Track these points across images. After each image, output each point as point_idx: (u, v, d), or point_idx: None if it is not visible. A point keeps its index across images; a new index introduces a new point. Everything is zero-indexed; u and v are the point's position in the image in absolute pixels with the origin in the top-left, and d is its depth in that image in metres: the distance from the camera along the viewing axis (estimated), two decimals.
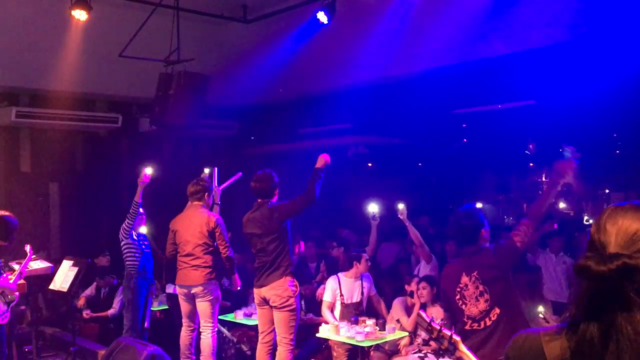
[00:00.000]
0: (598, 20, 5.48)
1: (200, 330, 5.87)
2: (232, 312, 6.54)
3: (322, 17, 6.90)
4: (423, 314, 2.46)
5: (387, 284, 7.78)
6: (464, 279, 3.90)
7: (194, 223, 5.79)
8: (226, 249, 5.79)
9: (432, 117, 8.69)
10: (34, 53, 7.63)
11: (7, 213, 5.63)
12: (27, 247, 6.07)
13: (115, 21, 7.62)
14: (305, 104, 8.79)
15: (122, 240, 6.52)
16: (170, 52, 7.31)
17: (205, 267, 5.76)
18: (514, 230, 3.81)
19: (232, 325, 6.57)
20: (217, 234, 5.78)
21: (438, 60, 6.83)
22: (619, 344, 1.33)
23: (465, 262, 3.95)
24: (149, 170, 6.23)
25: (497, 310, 3.79)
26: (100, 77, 8.40)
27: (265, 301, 5.27)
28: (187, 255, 5.79)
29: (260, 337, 5.46)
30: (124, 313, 6.68)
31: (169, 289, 6.68)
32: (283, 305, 5.16)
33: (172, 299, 6.45)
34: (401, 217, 6.22)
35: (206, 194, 5.93)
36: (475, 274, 3.83)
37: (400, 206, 6.25)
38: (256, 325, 6.44)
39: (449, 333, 2.36)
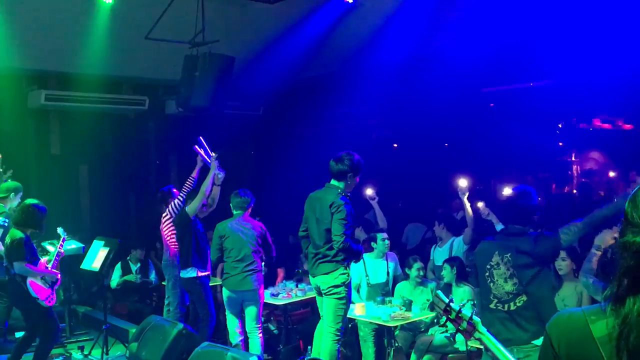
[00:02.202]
0: None
1: (248, 332, 5.94)
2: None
3: None
4: (441, 295, 2.44)
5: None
6: (496, 257, 3.88)
7: (247, 228, 5.95)
8: (272, 251, 6.09)
9: (460, 96, 8.58)
10: (62, 36, 7.71)
11: (35, 201, 5.72)
12: (60, 230, 6.20)
13: (141, 3, 7.64)
14: (331, 85, 8.74)
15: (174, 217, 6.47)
16: (196, 33, 7.32)
17: (257, 271, 5.87)
18: (565, 228, 3.73)
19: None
20: (265, 239, 5.98)
21: (464, 40, 6.72)
22: None
23: (502, 241, 3.93)
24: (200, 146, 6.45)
25: (524, 298, 3.76)
26: (127, 59, 8.46)
27: (318, 290, 5.01)
28: (239, 260, 5.85)
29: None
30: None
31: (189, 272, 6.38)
32: (330, 291, 4.83)
33: (194, 285, 6.27)
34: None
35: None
36: (508, 255, 3.81)
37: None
38: (283, 305, 6.54)
39: (468, 314, 2.34)
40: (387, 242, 6.20)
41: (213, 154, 6.38)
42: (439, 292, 2.49)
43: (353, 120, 9.64)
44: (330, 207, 4.71)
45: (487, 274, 3.93)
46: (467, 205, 6.06)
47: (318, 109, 9.72)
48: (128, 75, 9.23)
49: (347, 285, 4.83)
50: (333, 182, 4.86)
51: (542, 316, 3.66)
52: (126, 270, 8.19)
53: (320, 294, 4.97)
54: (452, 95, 8.35)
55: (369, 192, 6.62)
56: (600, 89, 7.03)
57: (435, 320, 5.81)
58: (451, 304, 2.36)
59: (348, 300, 4.89)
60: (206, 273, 6.24)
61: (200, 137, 6.56)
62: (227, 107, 8.30)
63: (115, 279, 8.12)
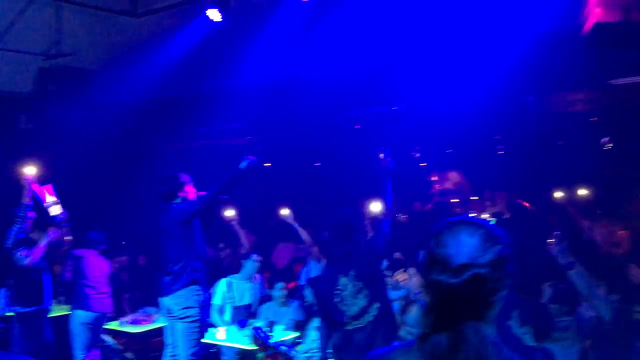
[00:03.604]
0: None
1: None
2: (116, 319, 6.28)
3: (213, 14, 6.79)
4: (261, 330, 2.43)
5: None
6: (342, 279, 3.94)
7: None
8: None
9: (327, 118, 8.78)
10: None
11: None
12: None
13: None
14: (199, 102, 8.59)
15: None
16: (51, 45, 6.88)
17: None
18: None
19: (117, 334, 6.30)
20: None
21: (327, 63, 6.92)
22: (467, 354, 1.37)
23: (344, 263, 4.00)
24: (30, 170, 5.73)
25: (377, 305, 3.88)
26: None
27: (168, 311, 4.83)
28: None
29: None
30: None
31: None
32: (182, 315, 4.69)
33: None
34: (289, 221, 6.52)
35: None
36: (352, 272, 3.90)
37: (285, 211, 6.52)
38: (143, 333, 6.24)
39: (285, 349, 2.36)
40: (257, 263, 6.17)
41: (50, 200, 5.75)
42: (260, 326, 2.47)
43: (223, 139, 9.53)
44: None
45: (336, 299, 3.94)
46: (300, 229, 6.37)
47: (187, 127, 9.50)
48: None
49: (202, 306, 4.72)
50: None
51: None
52: None
53: (171, 317, 4.78)
54: (320, 117, 8.54)
55: (229, 213, 6.56)
56: (457, 113, 7.54)
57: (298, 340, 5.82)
58: (268, 340, 2.35)
59: (202, 323, 4.78)
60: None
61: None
62: (86, 123, 7.85)
63: None
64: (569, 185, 10.60)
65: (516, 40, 5.29)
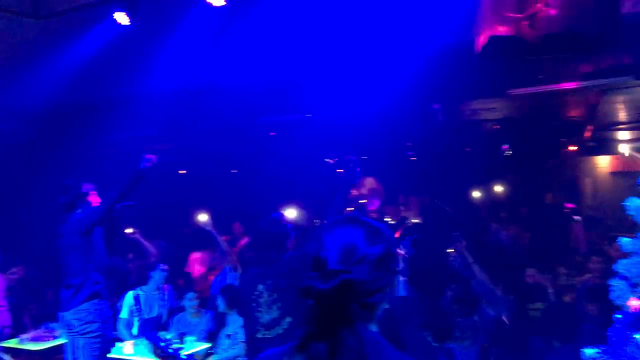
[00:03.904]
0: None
1: None
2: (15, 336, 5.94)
3: (121, 18, 6.60)
4: (158, 341, 2.40)
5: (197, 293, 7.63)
6: (260, 286, 3.95)
7: None
8: None
9: (241, 124, 8.74)
10: None
11: None
12: None
13: None
14: (108, 109, 8.30)
15: None
16: None
17: None
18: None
19: (16, 352, 5.96)
20: None
21: (240, 70, 6.90)
22: (346, 355, 1.37)
23: (261, 270, 4.00)
24: None
25: (289, 320, 3.88)
26: None
27: (68, 327, 4.59)
28: None
29: None
30: None
31: None
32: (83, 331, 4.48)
33: None
34: (207, 227, 6.38)
35: None
36: (269, 282, 3.89)
37: (203, 217, 6.39)
38: (44, 350, 5.93)
39: (184, 357, 2.34)
40: (164, 273, 6.01)
41: None
42: (159, 336, 2.43)
43: (135, 146, 9.24)
44: None
45: (253, 304, 3.97)
46: (218, 236, 6.30)
47: (95, 134, 9.14)
48: None
49: (107, 320, 4.55)
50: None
51: None
52: None
53: (71, 332, 4.57)
54: (235, 123, 8.47)
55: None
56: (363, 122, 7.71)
57: (211, 351, 5.74)
58: (167, 349, 2.32)
59: (107, 338, 4.60)
60: None
61: None
62: None
63: None
64: (477, 190, 11.13)
65: (420, 51, 5.50)
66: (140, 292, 5.83)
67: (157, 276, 5.89)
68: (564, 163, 10.87)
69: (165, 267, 6.00)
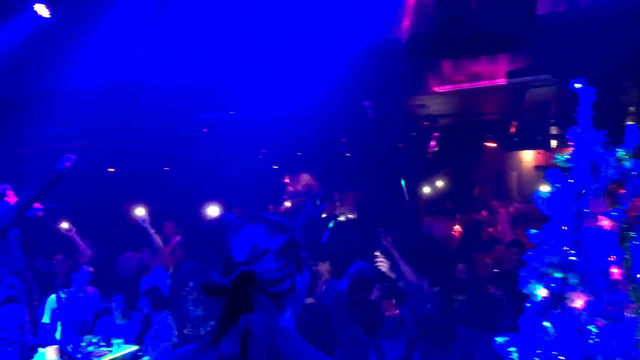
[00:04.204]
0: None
1: None
2: None
3: (41, 10, 6.35)
4: (65, 346, 2.33)
5: (126, 294, 7.43)
6: (190, 283, 3.89)
7: None
8: None
9: (173, 121, 8.57)
10: None
11: None
12: None
13: None
14: (27, 105, 7.95)
15: None
16: None
17: None
18: None
19: None
20: None
21: (168, 66, 6.76)
22: (258, 350, 1.38)
23: (198, 266, 3.94)
24: None
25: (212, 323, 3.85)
26: None
27: None
28: None
29: None
30: None
31: None
32: None
33: None
34: (144, 225, 6.18)
35: None
36: (199, 280, 3.84)
37: (141, 212, 6.19)
38: None
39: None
40: (88, 275, 5.81)
41: None
42: (85, 340, 2.36)
43: (58, 143, 8.89)
44: None
45: (183, 300, 3.92)
46: (154, 234, 6.15)
47: (16, 130, 8.75)
48: None
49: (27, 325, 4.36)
50: None
51: None
52: None
53: None
54: (165, 120, 8.29)
55: (65, 224, 6.17)
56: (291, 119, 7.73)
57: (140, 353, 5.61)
58: (76, 354, 2.25)
59: (27, 344, 4.41)
60: None
61: None
62: None
63: None
64: (412, 184, 11.37)
65: (348, 48, 5.55)
66: (62, 295, 5.62)
67: (81, 278, 5.69)
68: (490, 158, 11.25)
69: (90, 268, 5.81)
